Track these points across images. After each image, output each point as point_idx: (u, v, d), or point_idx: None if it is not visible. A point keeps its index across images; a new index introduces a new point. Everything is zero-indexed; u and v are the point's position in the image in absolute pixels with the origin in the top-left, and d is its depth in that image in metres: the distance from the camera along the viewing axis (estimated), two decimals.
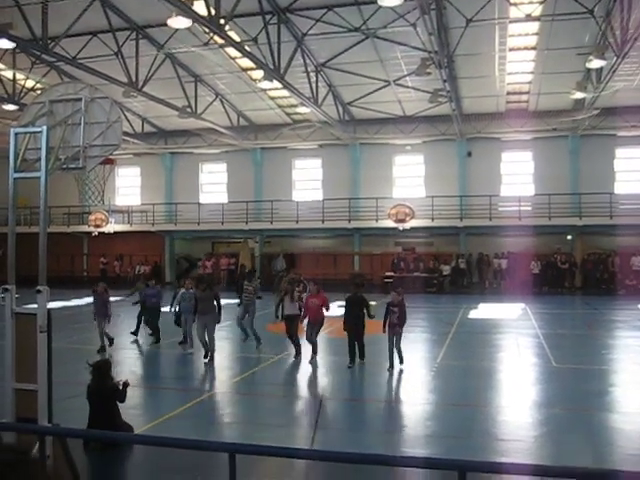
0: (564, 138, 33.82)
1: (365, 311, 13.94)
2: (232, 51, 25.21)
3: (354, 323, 13.84)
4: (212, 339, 14.48)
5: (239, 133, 35.26)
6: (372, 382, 12.44)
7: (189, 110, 29.97)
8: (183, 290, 15.86)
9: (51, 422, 7.27)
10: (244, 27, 22.31)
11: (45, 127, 7.51)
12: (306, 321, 14.61)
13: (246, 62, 26.41)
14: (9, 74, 27.30)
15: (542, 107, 32.26)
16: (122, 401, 9.34)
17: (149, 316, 17.04)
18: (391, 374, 13.10)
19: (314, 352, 14.42)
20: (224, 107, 33.14)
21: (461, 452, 8.27)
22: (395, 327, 13.44)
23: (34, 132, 7.78)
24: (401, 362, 13.62)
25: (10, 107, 28.20)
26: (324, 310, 14.41)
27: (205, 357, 14.44)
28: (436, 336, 19.04)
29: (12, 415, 7.33)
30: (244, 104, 33.77)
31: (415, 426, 10.02)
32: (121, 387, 9.32)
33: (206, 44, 24.36)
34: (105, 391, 9.05)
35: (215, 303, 14.70)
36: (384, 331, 13.47)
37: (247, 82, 30.10)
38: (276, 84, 25.62)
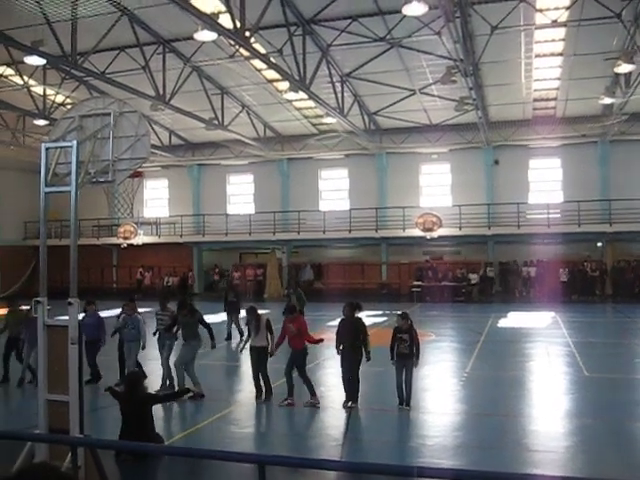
0: (593, 144, 33.43)
1: (362, 339, 11.50)
2: (258, 63, 25.36)
3: (348, 353, 11.56)
4: (191, 370, 12.63)
5: (265, 144, 35.46)
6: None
7: (216, 122, 30.21)
8: (124, 315, 13.53)
9: (82, 433, 7.35)
10: (269, 39, 22.46)
11: (75, 142, 7.63)
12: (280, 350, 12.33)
13: (272, 74, 26.56)
14: (40, 90, 27.78)
15: (570, 113, 31.95)
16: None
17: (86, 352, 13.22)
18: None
19: (312, 393, 11.86)
20: (250, 118, 33.35)
21: (491, 463, 8.19)
22: (406, 358, 11.22)
23: (64, 147, 7.92)
24: (407, 403, 11.23)
25: (41, 122, 28.70)
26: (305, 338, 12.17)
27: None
28: (465, 345, 18.90)
29: (45, 426, 7.42)
30: (270, 115, 33.95)
31: (444, 436, 9.94)
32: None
33: (232, 57, 24.56)
34: (137, 402, 9.13)
35: (204, 327, 12.98)
36: (393, 363, 11.36)
37: (273, 93, 30.27)
38: (302, 95, 25.71)
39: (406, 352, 11.22)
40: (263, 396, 12.26)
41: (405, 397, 11.26)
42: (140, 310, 14.71)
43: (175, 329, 13.20)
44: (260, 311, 12.80)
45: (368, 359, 11.47)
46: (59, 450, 7.06)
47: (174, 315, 13.29)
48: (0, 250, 39.98)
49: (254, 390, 12.36)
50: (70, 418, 7.23)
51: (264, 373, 12.30)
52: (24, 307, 14.88)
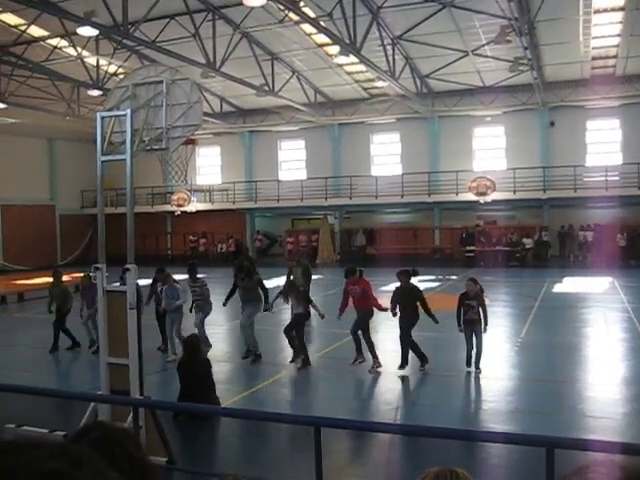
0: None
1: (421, 306, 11.58)
2: (307, 27, 25.14)
3: (403, 319, 11.63)
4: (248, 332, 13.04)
5: (316, 109, 35.29)
6: (455, 356, 12.24)
7: (266, 88, 30.17)
8: (165, 286, 13.36)
9: (142, 394, 7.57)
10: (319, 3, 22.18)
11: (129, 110, 7.72)
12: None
13: (322, 38, 26.31)
14: (93, 60, 28.16)
15: (630, 71, 30.82)
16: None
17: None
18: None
19: (374, 357, 11.87)
20: (301, 84, 33.19)
21: (547, 428, 8.12)
22: (474, 324, 11.16)
23: (119, 116, 8.02)
24: (477, 366, 11.28)
25: (95, 92, 29.14)
26: (370, 300, 12.04)
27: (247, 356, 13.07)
28: (519, 311, 18.69)
29: (107, 387, 7.68)
30: (321, 80, 33.72)
31: (498, 401, 9.91)
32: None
33: (281, 21, 24.38)
34: (196, 364, 9.31)
35: (260, 291, 13.17)
36: (461, 329, 11.32)
37: (323, 58, 30.02)
38: (352, 59, 25.41)
39: (475, 318, 11.13)
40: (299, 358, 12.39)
41: (475, 360, 11.26)
42: (181, 277, 14.93)
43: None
44: None
45: (436, 322, 11.53)
46: (121, 411, 7.30)
47: (204, 285, 13.47)
48: (59, 219, 41.17)
49: (307, 355, 12.48)
50: (130, 380, 7.45)
51: (300, 337, 12.38)
52: (85, 273, 15.31)
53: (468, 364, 11.31)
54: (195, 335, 10.01)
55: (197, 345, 9.61)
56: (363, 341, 11.92)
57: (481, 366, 11.30)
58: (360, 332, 11.88)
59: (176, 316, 13.22)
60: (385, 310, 12.00)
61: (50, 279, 15.30)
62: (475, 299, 11.20)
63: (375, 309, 12.10)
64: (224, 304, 13.63)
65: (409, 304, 11.57)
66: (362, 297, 11.99)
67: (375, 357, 11.84)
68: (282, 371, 12.16)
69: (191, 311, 13.67)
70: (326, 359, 12.89)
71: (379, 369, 11.73)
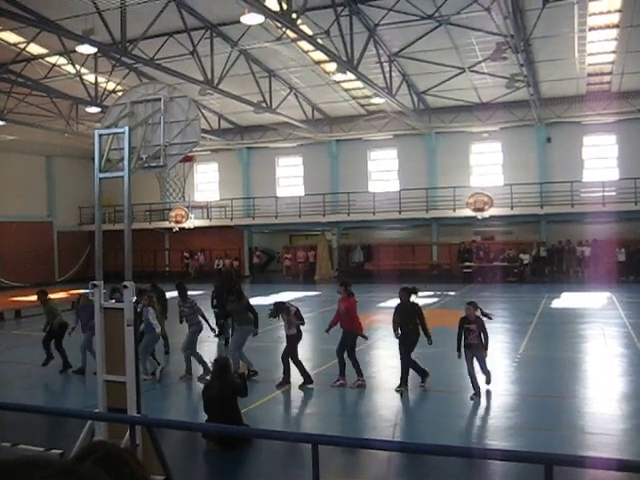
0: None
1: (419, 324, 11.41)
2: (305, 45, 25.28)
3: (403, 338, 11.48)
4: (241, 354, 12.87)
5: (314, 126, 35.42)
6: (453, 372, 12.22)
7: (264, 105, 30.29)
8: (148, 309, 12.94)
9: (139, 412, 7.52)
10: (316, 20, 22.34)
11: (127, 128, 7.74)
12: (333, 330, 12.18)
13: (319, 55, 26.46)
14: (91, 78, 28.27)
15: (626, 87, 31.01)
16: (244, 395, 9.25)
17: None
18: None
19: (359, 373, 11.84)
20: (298, 101, 33.34)
21: (546, 445, 8.09)
22: (474, 348, 10.86)
23: (117, 133, 8.04)
24: (488, 382, 11.15)
25: (93, 110, 29.26)
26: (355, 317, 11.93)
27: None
28: (517, 326, 18.66)
29: (104, 405, 7.63)
30: (318, 97, 33.88)
31: (497, 417, 9.87)
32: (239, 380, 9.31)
33: (279, 39, 24.53)
34: (227, 389, 8.96)
35: (250, 312, 12.86)
36: (459, 355, 10.94)
37: (321, 75, 30.17)
38: (350, 76, 25.54)
39: (475, 342, 10.87)
40: (288, 384, 12.10)
41: (486, 381, 11.11)
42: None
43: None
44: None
45: (430, 343, 11.36)
46: (117, 428, 7.26)
47: (194, 305, 13.48)
48: (57, 236, 41.15)
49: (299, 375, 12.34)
50: (127, 398, 7.41)
51: (296, 358, 12.17)
52: (82, 293, 15.30)
53: (474, 387, 10.84)
54: (226, 357, 9.56)
55: (228, 368, 9.26)
56: (349, 363, 11.86)
57: (481, 384, 11.03)
58: (345, 353, 11.79)
59: (152, 336, 12.91)
60: (365, 337, 12.08)
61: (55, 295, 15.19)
62: (475, 322, 10.91)
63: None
64: (219, 333, 13.79)
65: (409, 321, 11.46)
66: (347, 316, 11.86)
67: (360, 374, 11.79)
68: (277, 390, 12.09)
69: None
70: (324, 376, 12.83)
71: (364, 385, 11.71)
